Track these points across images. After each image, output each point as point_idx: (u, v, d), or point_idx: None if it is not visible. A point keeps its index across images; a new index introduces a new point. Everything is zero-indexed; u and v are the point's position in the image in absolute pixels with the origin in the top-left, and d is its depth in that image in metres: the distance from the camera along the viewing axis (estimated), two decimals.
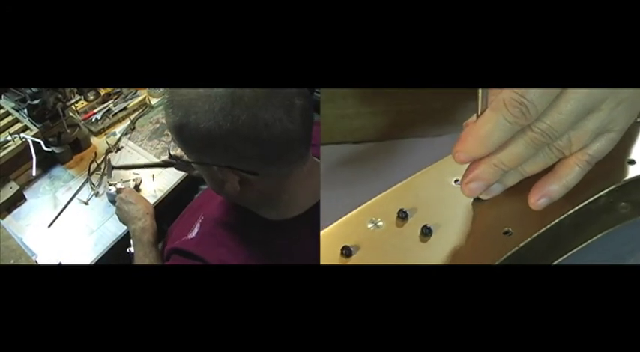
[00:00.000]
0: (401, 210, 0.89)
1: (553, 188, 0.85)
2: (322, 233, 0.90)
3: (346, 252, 0.86)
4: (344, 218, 0.91)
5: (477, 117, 0.82)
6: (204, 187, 1.45)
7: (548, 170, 0.86)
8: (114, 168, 1.65)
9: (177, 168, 1.55)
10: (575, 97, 0.79)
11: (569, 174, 0.85)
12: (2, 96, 1.74)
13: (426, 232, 0.87)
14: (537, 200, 0.86)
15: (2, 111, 1.70)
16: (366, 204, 0.92)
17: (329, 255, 0.87)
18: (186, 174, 1.56)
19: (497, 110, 0.79)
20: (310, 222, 1.04)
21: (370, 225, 0.89)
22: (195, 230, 1.10)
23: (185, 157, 1.00)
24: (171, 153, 1.07)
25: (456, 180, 0.93)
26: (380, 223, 0.89)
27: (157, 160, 1.77)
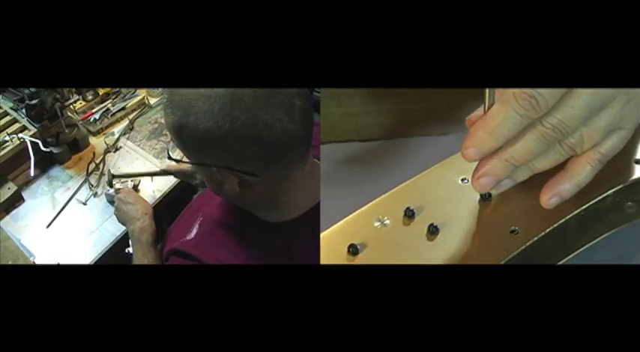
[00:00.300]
0: (408, 209, 0.89)
1: (565, 187, 0.85)
2: (329, 230, 0.89)
3: (353, 249, 0.85)
4: (351, 216, 0.91)
5: (485, 112, 0.81)
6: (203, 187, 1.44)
7: (560, 168, 0.85)
8: (114, 176, 1.64)
9: (176, 177, 1.54)
10: (587, 92, 0.79)
11: (580, 173, 0.84)
12: (0, 97, 1.73)
13: (433, 230, 0.87)
14: (549, 199, 0.85)
15: (0, 111, 1.69)
16: (372, 202, 0.92)
17: (335, 252, 0.86)
18: None
19: (507, 103, 0.79)
20: (310, 224, 1.03)
21: (377, 223, 0.89)
22: (194, 231, 1.10)
23: (184, 158, 0.99)
24: (170, 154, 1.06)
25: (463, 179, 0.93)
26: (387, 221, 0.89)
27: (155, 160, 1.77)
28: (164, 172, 1.56)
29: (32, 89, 1.60)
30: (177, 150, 0.97)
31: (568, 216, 0.88)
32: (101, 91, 1.94)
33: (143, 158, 1.78)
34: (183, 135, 0.90)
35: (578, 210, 0.89)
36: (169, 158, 1.06)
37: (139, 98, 1.96)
